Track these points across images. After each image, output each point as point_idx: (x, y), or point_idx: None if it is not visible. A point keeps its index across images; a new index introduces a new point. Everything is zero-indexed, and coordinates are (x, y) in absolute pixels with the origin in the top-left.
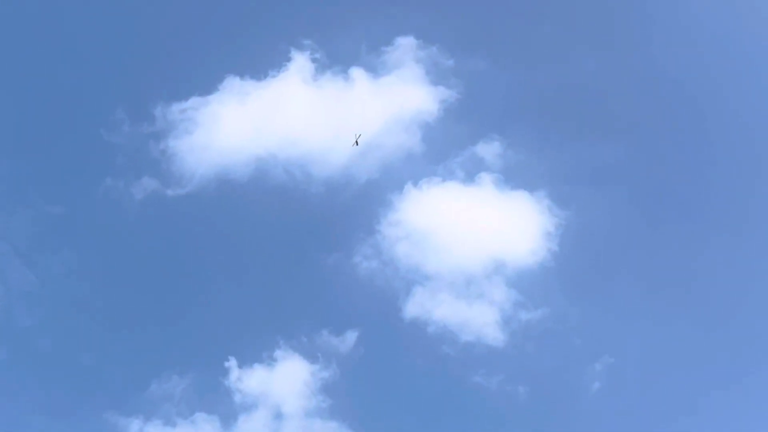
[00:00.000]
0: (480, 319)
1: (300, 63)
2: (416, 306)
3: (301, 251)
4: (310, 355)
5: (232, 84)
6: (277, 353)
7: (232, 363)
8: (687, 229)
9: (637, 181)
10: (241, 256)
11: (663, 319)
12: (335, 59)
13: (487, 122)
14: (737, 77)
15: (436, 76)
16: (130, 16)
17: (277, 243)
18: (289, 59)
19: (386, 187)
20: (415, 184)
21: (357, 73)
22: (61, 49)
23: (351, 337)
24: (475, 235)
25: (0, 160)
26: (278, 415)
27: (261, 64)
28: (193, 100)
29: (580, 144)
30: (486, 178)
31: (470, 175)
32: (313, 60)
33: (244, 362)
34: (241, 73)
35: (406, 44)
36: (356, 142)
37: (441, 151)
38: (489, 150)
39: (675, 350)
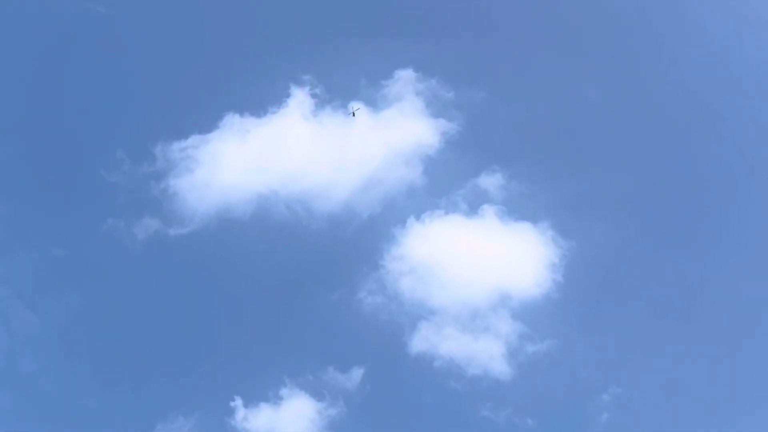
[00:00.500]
0: (486, 353)
1: (299, 99)
2: (422, 341)
3: (304, 288)
4: (317, 392)
5: (232, 121)
6: (283, 392)
7: (237, 402)
8: (693, 257)
9: (641, 210)
10: (244, 294)
11: (670, 348)
12: (335, 94)
13: (489, 154)
14: (741, 105)
15: (436, 108)
16: (127, 56)
17: (280, 280)
18: (288, 95)
19: (389, 222)
20: (418, 217)
21: (356, 107)
22: (59, 90)
23: (357, 373)
24: (479, 268)
25: (0, 203)
26: None
27: (260, 100)
28: (193, 139)
29: (582, 174)
30: (489, 210)
31: (473, 207)
32: (313, 95)
33: (250, 401)
34: (241, 111)
35: (405, 77)
36: (353, 113)
37: (443, 183)
38: (491, 182)
39: (683, 379)
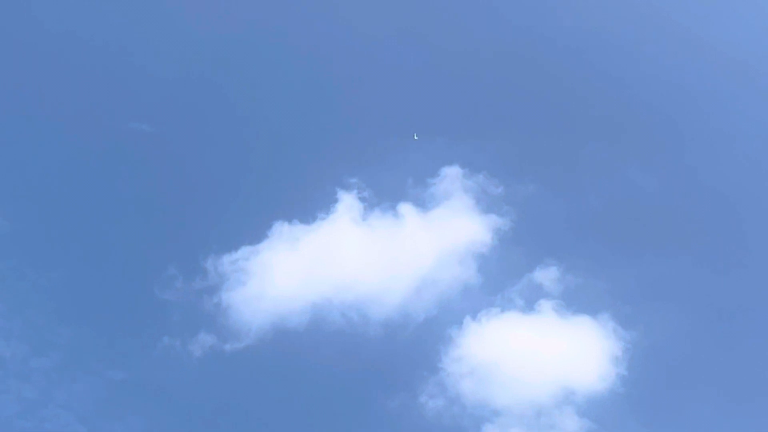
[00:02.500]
0: None
1: (348, 203)
2: None
3: (364, 395)
4: None
5: (281, 230)
6: None
7: None
8: (760, 341)
9: (702, 296)
10: (305, 405)
11: None
12: (382, 196)
13: (542, 247)
14: None
15: (486, 204)
16: (173, 171)
17: (339, 389)
18: (336, 200)
19: (445, 323)
20: (474, 317)
21: (405, 208)
22: (108, 210)
23: None
24: (540, 365)
25: (58, 330)
26: None
27: (308, 207)
28: (244, 250)
29: (639, 262)
30: (546, 305)
31: (530, 303)
32: (361, 199)
33: None
34: (290, 218)
35: (452, 174)
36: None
37: (498, 280)
38: (546, 276)
39: None
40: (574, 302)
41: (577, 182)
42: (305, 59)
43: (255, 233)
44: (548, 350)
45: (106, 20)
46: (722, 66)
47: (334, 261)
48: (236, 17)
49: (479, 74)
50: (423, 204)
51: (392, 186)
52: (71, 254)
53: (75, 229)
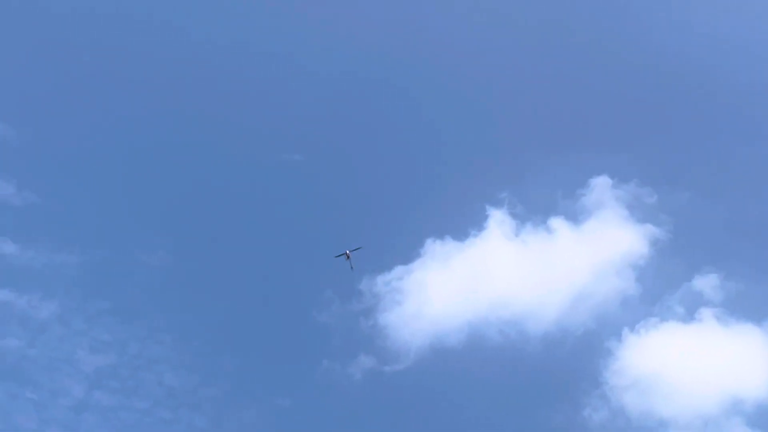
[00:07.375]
0: None
1: (499, 218)
2: None
3: (527, 410)
4: None
5: (434, 248)
6: None
7: None
8: None
9: None
10: (468, 424)
11: None
12: (533, 210)
13: (701, 255)
14: None
15: (641, 213)
16: (324, 197)
17: (502, 406)
18: (486, 216)
19: (603, 336)
20: (632, 328)
21: (557, 222)
22: (267, 238)
23: None
24: (704, 374)
25: (224, 358)
26: None
27: (460, 224)
28: (397, 270)
29: None
30: (707, 314)
31: (690, 312)
32: (512, 214)
33: None
34: (441, 236)
35: (601, 184)
36: (347, 255)
37: (656, 290)
38: (706, 283)
39: None
40: (736, 309)
41: (734, 186)
42: (452, 78)
43: (407, 252)
44: (712, 359)
45: (257, 59)
46: None
47: (488, 277)
48: (380, 44)
49: (624, 82)
50: (574, 216)
51: (542, 199)
52: (233, 284)
53: (234, 259)
